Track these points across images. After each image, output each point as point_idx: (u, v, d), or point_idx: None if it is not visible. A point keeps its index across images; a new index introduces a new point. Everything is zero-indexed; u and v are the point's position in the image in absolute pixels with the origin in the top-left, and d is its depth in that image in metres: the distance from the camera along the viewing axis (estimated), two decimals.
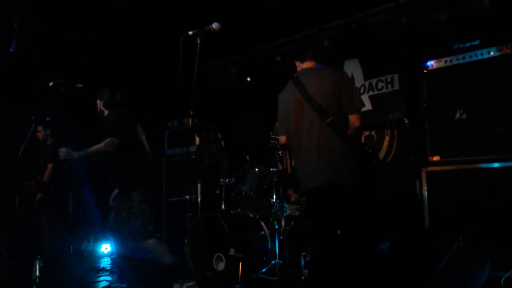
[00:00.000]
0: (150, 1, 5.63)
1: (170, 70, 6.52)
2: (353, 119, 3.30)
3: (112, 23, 5.95)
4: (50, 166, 5.39)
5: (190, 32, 3.10)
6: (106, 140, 4.03)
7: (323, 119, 3.25)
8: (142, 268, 5.26)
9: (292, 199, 4.90)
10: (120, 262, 4.31)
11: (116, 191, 4.39)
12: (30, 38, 5.77)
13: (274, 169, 4.71)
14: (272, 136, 4.15)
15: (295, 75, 3.54)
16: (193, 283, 3.85)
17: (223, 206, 4.94)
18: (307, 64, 3.52)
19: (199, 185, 4.07)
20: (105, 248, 6.34)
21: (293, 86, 3.45)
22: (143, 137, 4.43)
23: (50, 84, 4.95)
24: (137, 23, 6.05)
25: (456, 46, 4.32)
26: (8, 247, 5.39)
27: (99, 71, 6.28)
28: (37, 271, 3.99)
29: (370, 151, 4.25)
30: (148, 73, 7.19)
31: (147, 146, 4.42)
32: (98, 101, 4.47)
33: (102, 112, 4.45)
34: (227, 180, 5.00)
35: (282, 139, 3.58)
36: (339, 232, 3.22)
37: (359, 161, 3.32)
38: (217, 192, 5.04)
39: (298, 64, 3.59)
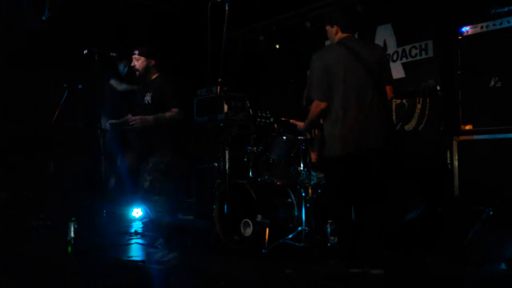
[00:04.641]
0: None
1: (199, 38, 6.51)
2: (390, 90, 3.58)
3: None
4: None
5: None
6: (177, 110, 4.09)
7: (375, 84, 3.44)
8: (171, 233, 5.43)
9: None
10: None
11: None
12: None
13: (302, 137, 4.69)
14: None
15: (339, 40, 3.58)
16: None
17: (250, 174, 4.97)
18: (347, 33, 3.60)
19: (227, 153, 4.11)
20: (136, 212, 6.52)
21: (339, 49, 3.50)
22: None
23: (85, 52, 5.01)
24: None
25: (494, 10, 4.13)
26: (45, 209, 5.60)
27: (128, 40, 6.31)
28: (72, 233, 4.13)
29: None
30: (177, 41, 7.18)
31: None
32: (143, 58, 4.23)
33: (144, 69, 4.27)
34: (254, 148, 5.01)
35: (323, 106, 3.51)
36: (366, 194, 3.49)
37: (393, 129, 3.58)
38: (245, 159, 5.07)
39: (337, 30, 3.60)
